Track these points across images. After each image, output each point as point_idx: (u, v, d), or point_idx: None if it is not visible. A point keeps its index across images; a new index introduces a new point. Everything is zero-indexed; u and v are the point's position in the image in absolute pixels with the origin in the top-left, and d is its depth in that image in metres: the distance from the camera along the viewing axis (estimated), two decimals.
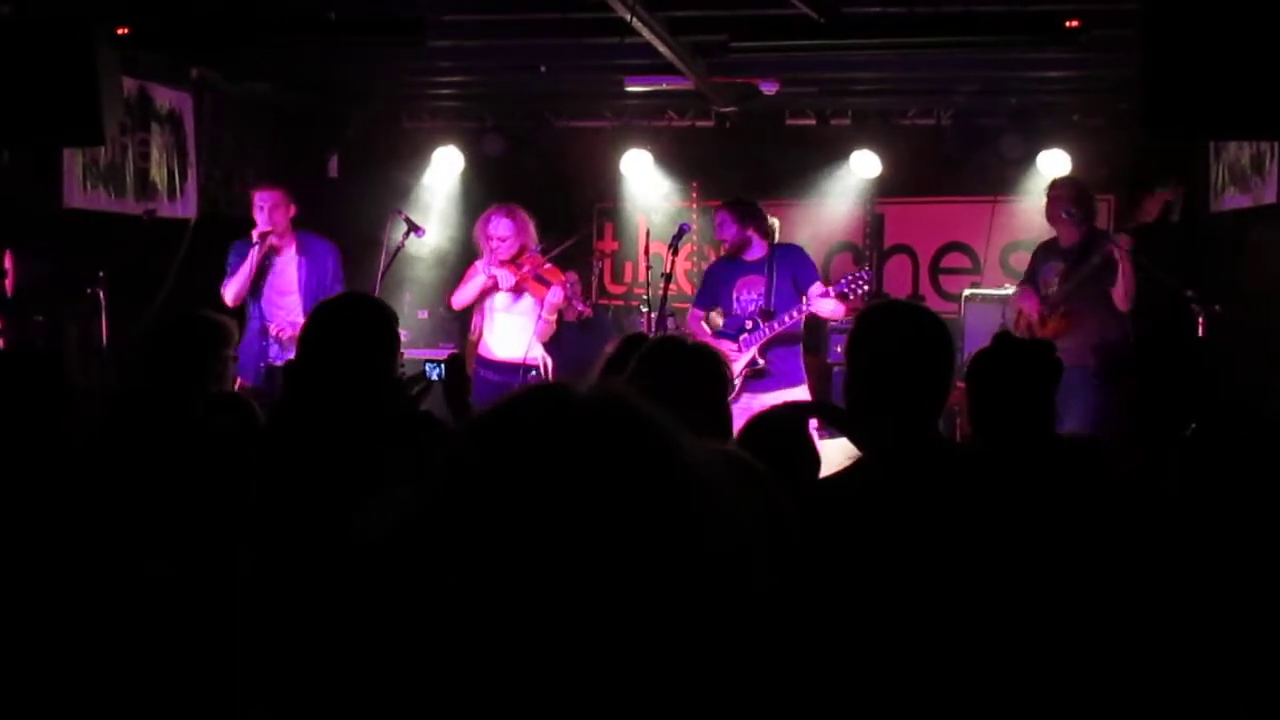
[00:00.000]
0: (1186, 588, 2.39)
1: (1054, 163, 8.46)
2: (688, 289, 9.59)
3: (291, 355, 5.94)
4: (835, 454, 2.63)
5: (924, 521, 2.30)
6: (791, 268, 6.36)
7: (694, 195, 9.60)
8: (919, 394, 2.51)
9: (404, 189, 9.09)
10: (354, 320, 3.25)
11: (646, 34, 6.00)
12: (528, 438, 0.97)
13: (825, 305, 6.22)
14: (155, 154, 7.46)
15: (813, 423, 3.12)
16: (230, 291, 6.42)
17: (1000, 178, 8.71)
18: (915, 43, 6.02)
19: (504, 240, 6.58)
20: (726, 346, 6.28)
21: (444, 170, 9.37)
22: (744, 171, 9.11)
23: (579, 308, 6.96)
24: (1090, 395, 5.25)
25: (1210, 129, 5.45)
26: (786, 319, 6.20)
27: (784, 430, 2.56)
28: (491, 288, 6.66)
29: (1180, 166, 7.22)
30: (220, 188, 7.91)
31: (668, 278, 6.51)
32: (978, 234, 9.00)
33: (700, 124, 9.16)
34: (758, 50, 6.26)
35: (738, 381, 6.22)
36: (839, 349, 7.73)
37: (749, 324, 6.29)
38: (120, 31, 5.80)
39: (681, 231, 6.66)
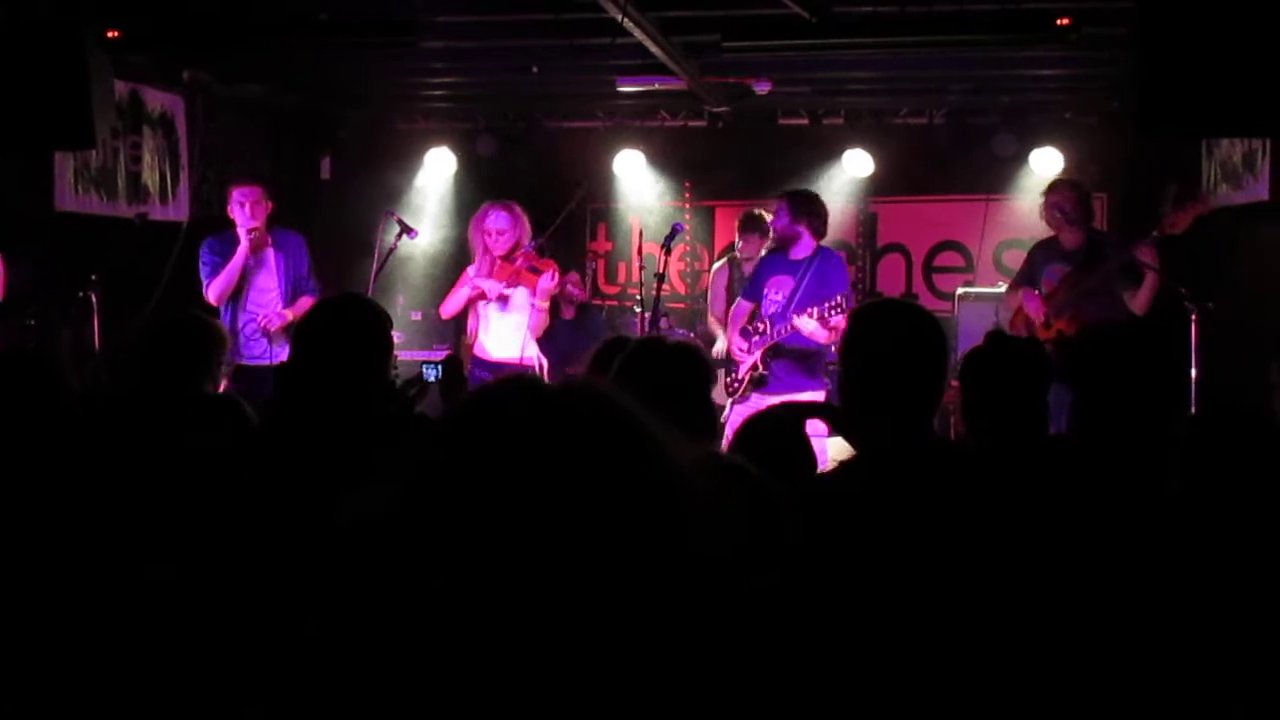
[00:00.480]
0: (1184, 587, 2.39)
1: (1047, 161, 8.47)
2: (681, 289, 9.60)
3: (280, 348, 5.99)
4: (838, 454, 2.63)
5: (918, 520, 2.30)
6: (822, 276, 6.05)
7: (687, 195, 9.60)
8: (913, 393, 2.51)
9: (396, 190, 9.09)
10: (347, 322, 3.25)
11: (638, 34, 6.00)
12: (498, 432, 0.98)
13: (807, 325, 5.89)
14: (147, 157, 7.45)
15: (819, 424, 3.11)
16: (215, 290, 6.23)
17: (993, 176, 8.72)
18: (907, 42, 6.02)
19: (502, 234, 6.53)
20: (739, 345, 6.25)
21: (436, 171, 9.36)
22: (737, 171, 9.13)
23: (574, 292, 6.94)
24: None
25: (1202, 126, 5.46)
26: (783, 330, 6.03)
27: (779, 430, 2.56)
28: (478, 298, 6.63)
29: (1173, 164, 7.24)
30: (213, 190, 7.87)
31: (661, 278, 6.47)
32: (971, 233, 9.00)
33: (693, 124, 9.16)
34: (750, 50, 6.25)
35: (741, 383, 6.20)
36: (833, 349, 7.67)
37: (761, 326, 6.21)
38: (111, 34, 5.78)
39: (675, 231, 6.64)
